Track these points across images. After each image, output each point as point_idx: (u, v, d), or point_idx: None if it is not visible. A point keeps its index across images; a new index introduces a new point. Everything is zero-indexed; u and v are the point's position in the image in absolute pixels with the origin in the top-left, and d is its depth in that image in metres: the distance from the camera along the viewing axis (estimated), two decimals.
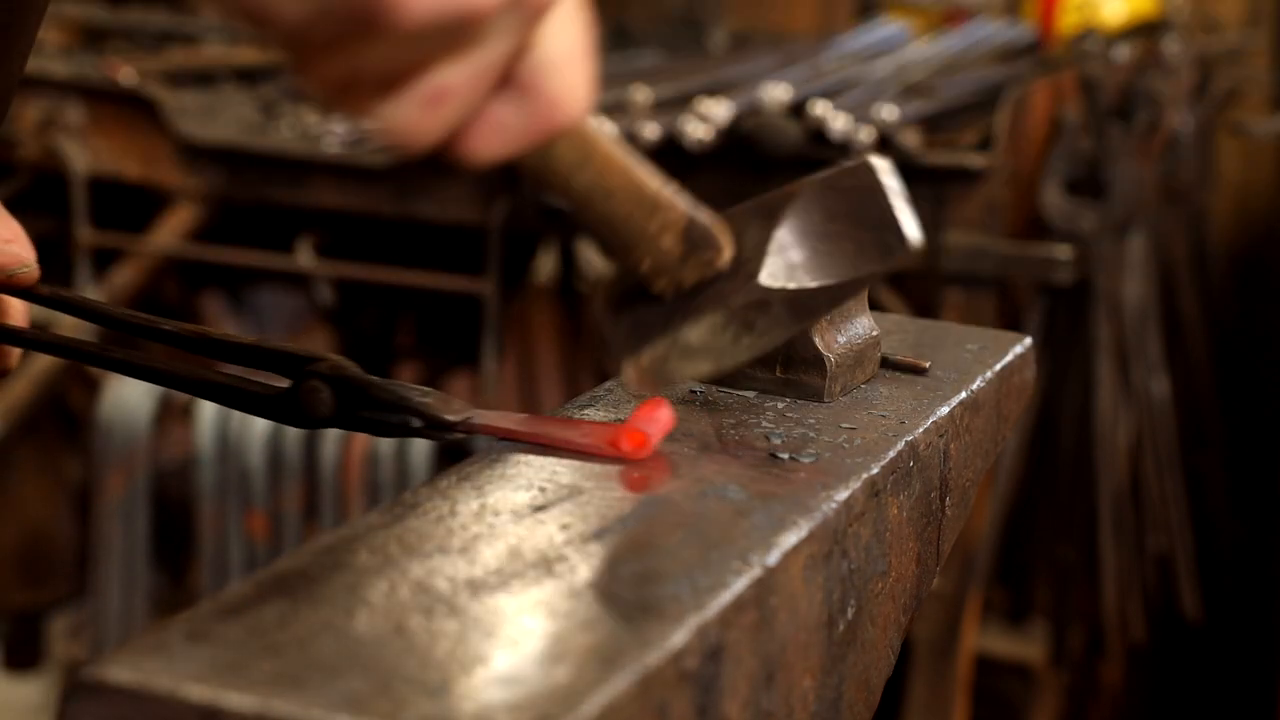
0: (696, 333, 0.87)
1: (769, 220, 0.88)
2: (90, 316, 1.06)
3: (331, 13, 0.67)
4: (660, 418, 0.87)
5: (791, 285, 0.87)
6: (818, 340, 0.98)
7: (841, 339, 1.00)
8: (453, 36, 0.69)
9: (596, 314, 0.91)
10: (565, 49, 0.75)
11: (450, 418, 0.88)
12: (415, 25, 0.67)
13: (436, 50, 0.69)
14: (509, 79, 0.74)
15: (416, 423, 0.88)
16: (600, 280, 0.91)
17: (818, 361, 0.98)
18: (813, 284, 0.87)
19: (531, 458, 0.87)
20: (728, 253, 0.87)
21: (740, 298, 0.86)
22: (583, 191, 0.83)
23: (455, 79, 0.71)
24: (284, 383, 0.92)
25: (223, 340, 1.00)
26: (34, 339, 1.04)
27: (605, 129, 0.84)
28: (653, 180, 0.85)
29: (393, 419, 0.89)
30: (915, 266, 2.42)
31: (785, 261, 0.87)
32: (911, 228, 0.86)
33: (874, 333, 1.03)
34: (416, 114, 0.72)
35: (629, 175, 0.84)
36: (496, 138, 0.75)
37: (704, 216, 0.87)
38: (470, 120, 0.74)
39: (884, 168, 0.87)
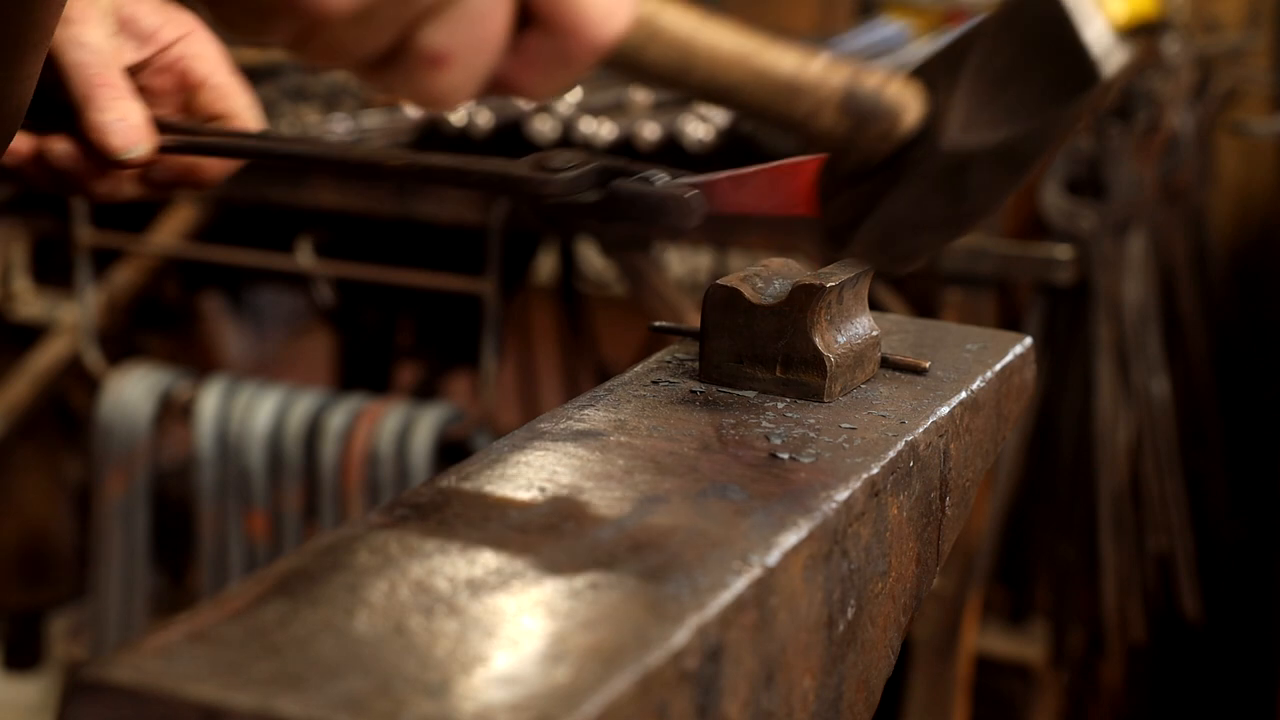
0: (902, 207, 0.80)
1: (953, 69, 0.79)
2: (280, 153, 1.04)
3: (258, 7, 0.63)
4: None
5: (986, 140, 0.78)
6: (817, 340, 0.98)
7: (841, 339, 1.00)
8: (402, 5, 0.64)
9: (816, 191, 0.85)
10: None
11: (689, 195, 0.88)
12: (343, 9, 0.63)
13: (401, 19, 0.64)
14: (530, 13, 0.68)
15: (660, 178, 0.90)
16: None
17: (818, 361, 0.98)
18: (1008, 134, 0.77)
19: (531, 457, 0.87)
20: (910, 116, 0.78)
21: (935, 163, 0.78)
22: (702, 90, 0.76)
23: (445, 39, 0.66)
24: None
25: (439, 166, 0.98)
26: (212, 146, 1.03)
27: (695, 19, 0.76)
28: (787, 60, 0.77)
29: (635, 181, 0.90)
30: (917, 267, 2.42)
31: (973, 114, 0.78)
32: (1101, 52, 0.74)
33: (874, 332, 1.03)
34: (424, 81, 0.67)
35: (750, 64, 0.76)
36: (541, 73, 0.69)
37: (870, 83, 0.78)
38: (506, 63, 0.69)
39: None
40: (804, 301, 0.98)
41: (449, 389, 3.48)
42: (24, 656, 3.29)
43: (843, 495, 0.84)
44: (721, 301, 1.00)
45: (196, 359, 3.35)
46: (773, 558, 0.77)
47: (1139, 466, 2.86)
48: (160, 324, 3.39)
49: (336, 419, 2.66)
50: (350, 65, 0.67)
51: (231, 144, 1.05)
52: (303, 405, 2.69)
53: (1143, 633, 2.81)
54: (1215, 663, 3.51)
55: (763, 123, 0.80)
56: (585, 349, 3.40)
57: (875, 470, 0.89)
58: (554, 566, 0.73)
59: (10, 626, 3.30)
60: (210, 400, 2.71)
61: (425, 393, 3.32)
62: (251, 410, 2.69)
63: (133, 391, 2.78)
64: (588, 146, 2.42)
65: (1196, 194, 3.61)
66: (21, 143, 1.01)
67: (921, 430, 0.95)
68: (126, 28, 1.01)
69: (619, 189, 0.91)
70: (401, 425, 2.64)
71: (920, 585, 0.97)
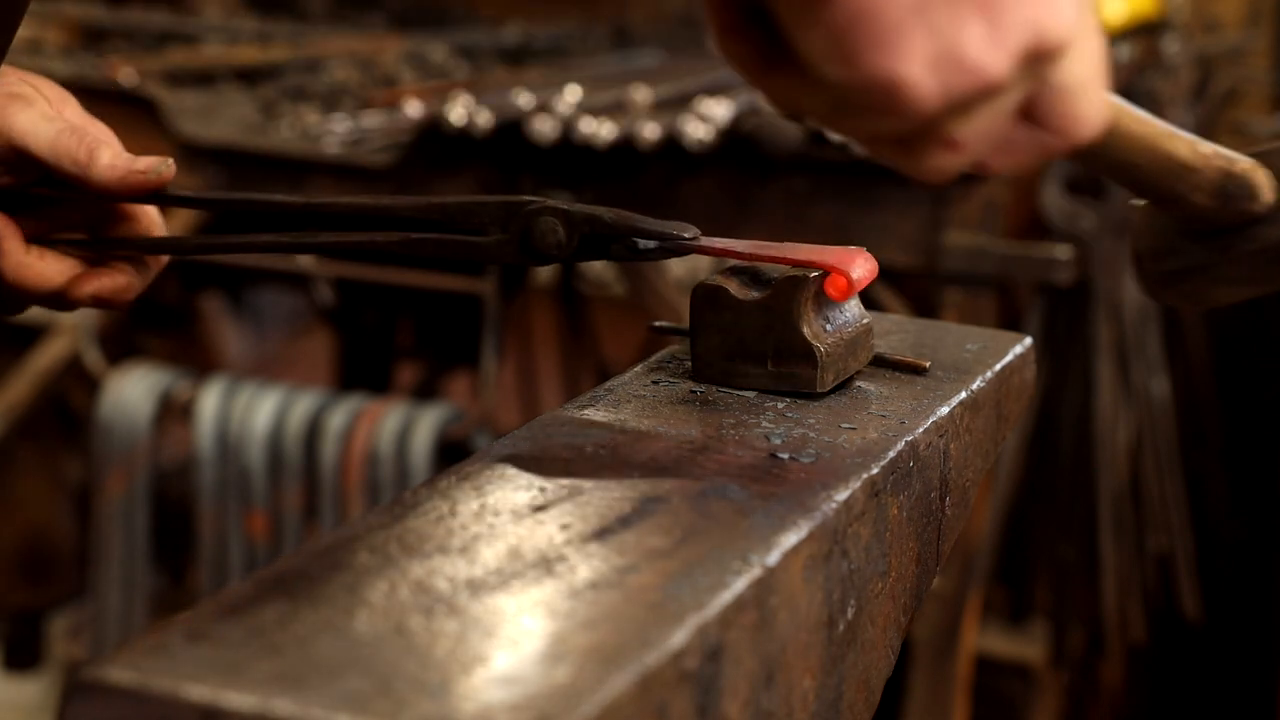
0: (1236, 268, 0.90)
1: None
2: (253, 205, 1.09)
3: (848, 101, 0.70)
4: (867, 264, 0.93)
5: None
6: (805, 331, 0.98)
7: (830, 328, 1.00)
8: (966, 107, 0.71)
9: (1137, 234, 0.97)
10: (1081, 75, 0.75)
11: (685, 235, 0.93)
12: (930, 109, 0.70)
13: (952, 115, 0.72)
14: (1026, 108, 0.75)
15: (650, 244, 0.92)
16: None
17: (807, 352, 0.98)
18: None
19: (532, 457, 0.87)
20: (1267, 197, 0.88)
21: (1271, 243, 0.88)
22: (1104, 163, 0.86)
23: (968, 132, 0.73)
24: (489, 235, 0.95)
25: (405, 206, 1.01)
26: (210, 244, 1.07)
27: (1125, 105, 0.85)
28: (1183, 146, 0.87)
29: (628, 244, 0.93)
30: (917, 267, 2.42)
31: None
32: None
33: (864, 320, 1.03)
34: (936, 161, 0.75)
35: (1154, 147, 0.86)
36: (1013, 157, 0.77)
37: (1243, 166, 0.88)
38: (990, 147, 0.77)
39: None
40: (789, 293, 0.97)
41: (449, 389, 3.48)
42: (24, 656, 3.29)
43: (843, 495, 0.84)
44: (708, 300, 1.00)
45: (196, 359, 3.35)
46: (773, 558, 0.77)
47: (1139, 466, 2.86)
48: (160, 324, 3.39)
49: (336, 419, 2.66)
50: (866, 141, 0.76)
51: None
52: (303, 405, 2.69)
53: (1143, 633, 2.81)
54: (1215, 663, 3.51)
55: (1143, 194, 0.91)
56: (585, 349, 3.40)
57: (875, 470, 0.89)
58: (554, 566, 0.73)
59: (10, 626, 3.30)
60: (210, 400, 2.71)
61: (425, 393, 3.32)
62: (251, 410, 2.69)
63: (133, 391, 2.78)
64: (587, 147, 2.42)
65: None
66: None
67: (921, 430, 0.95)
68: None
69: (611, 253, 0.95)
70: (401, 425, 2.64)
71: (920, 585, 0.97)
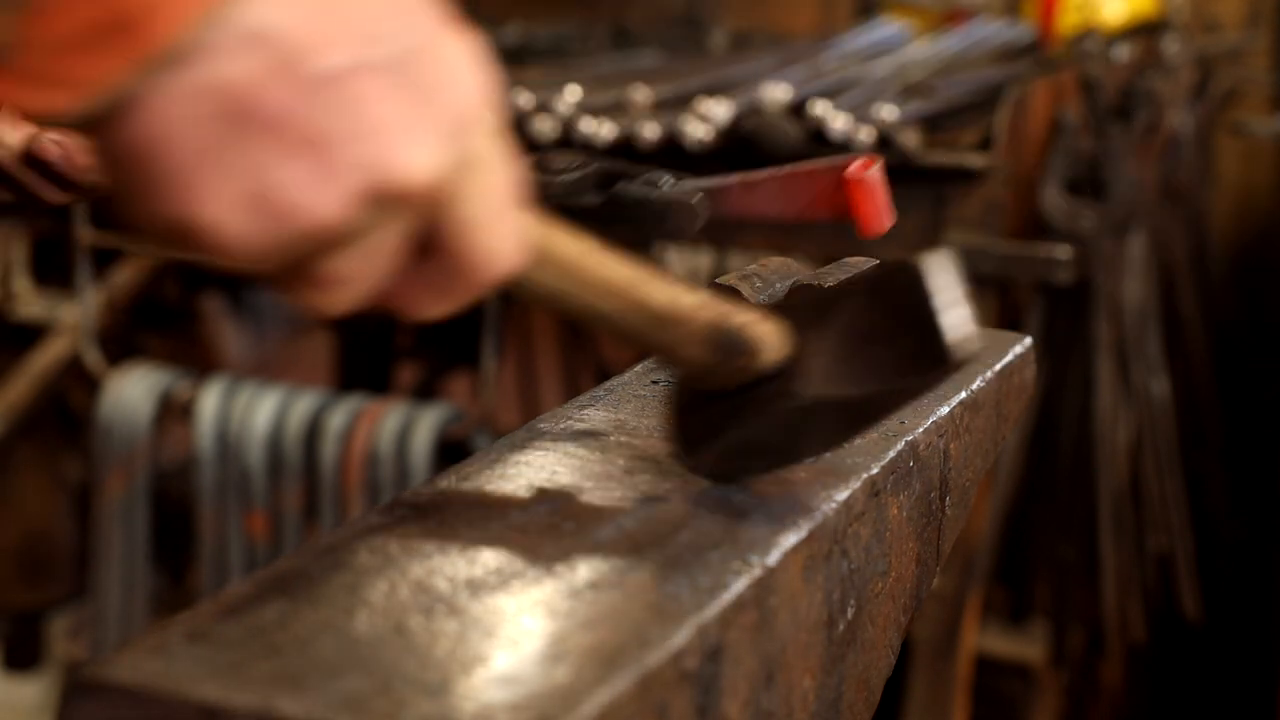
0: (749, 434, 0.82)
1: (816, 319, 0.82)
2: None
3: (167, 240, 0.64)
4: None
5: (839, 394, 0.80)
6: None
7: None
8: (311, 248, 0.65)
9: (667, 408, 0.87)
10: (484, 207, 0.68)
11: (692, 200, 0.92)
12: (252, 252, 0.64)
13: (298, 254, 0.65)
14: (429, 244, 0.68)
15: (664, 184, 0.92)
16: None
17: None
18: (860, 392, 0.80)
19: (531, 457, 0.87)
20: (771, 354, 0.81)
21: (786, 403, 0.81)
22: (578, 313, 0.79)
23: (343, 268, 0.66)
24: None
25: None
26: None
27: (586, 248, 0.78)
28: (663, 292, 0.80)
29: (635, 185, 0.92)
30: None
31: (832, 367, 0.81)
32: (957, 338, 0.77)
33: None
34: (310, 296, 0.68)
35: (629, 295, 0.79)
36: (428, 299, 0.71)
37: (737, 320, 0.81)
38: (396, 285, 0.70)
39: (938, 266, 0.78)
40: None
41: (449, 389, 3.48)
42: (24, 656, 3.29)
43: (843, 495, 0.84)
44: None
45: (196, 359, 3.34)
46: (773, 558, 0.77)
47: (1139, 466, 2.86)
48: (160, 324, 3.39)
49: (336, 419, 2.66)
50: (240, 270, 0.68)
51: None
52: (303, 405, 2.69)
53: (1143, 633, 2.81)
54: (1215, 663, 3.51)
55: (632, 346, 0.83)
56: (585, 349, 3.40)
57: (875, 470, 0.89)
58: (554, 566, 0.73)
59: (10, 626, 3.30)
60: (210, 400, 2.71)
61: (425, 393, 3.32)
62: (251, 410, 2.69)
63: (133, 391, 2.78)
64: (587, 147, 2.42)
65: (1196, 194, 3.61)
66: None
67: (921, 430, 0.96)
68: None
69: (621, 193, 0.92)
70: (401, 425, 2.64)
71: (920, 585, 0.97)
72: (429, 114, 0.64)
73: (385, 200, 0.64)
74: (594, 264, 0.77)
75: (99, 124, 0.62)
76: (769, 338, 0.81)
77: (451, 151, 0.65)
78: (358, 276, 0.67)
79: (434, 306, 0.71)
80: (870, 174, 0.92)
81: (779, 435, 0.82)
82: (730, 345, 0.80)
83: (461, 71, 0.66)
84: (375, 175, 0.63)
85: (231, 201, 0.62)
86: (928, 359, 0.78)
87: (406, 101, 0.64)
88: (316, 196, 0.63)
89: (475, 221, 0.68)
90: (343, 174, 0.63)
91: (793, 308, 0.84)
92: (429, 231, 0.68)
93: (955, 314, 0.77)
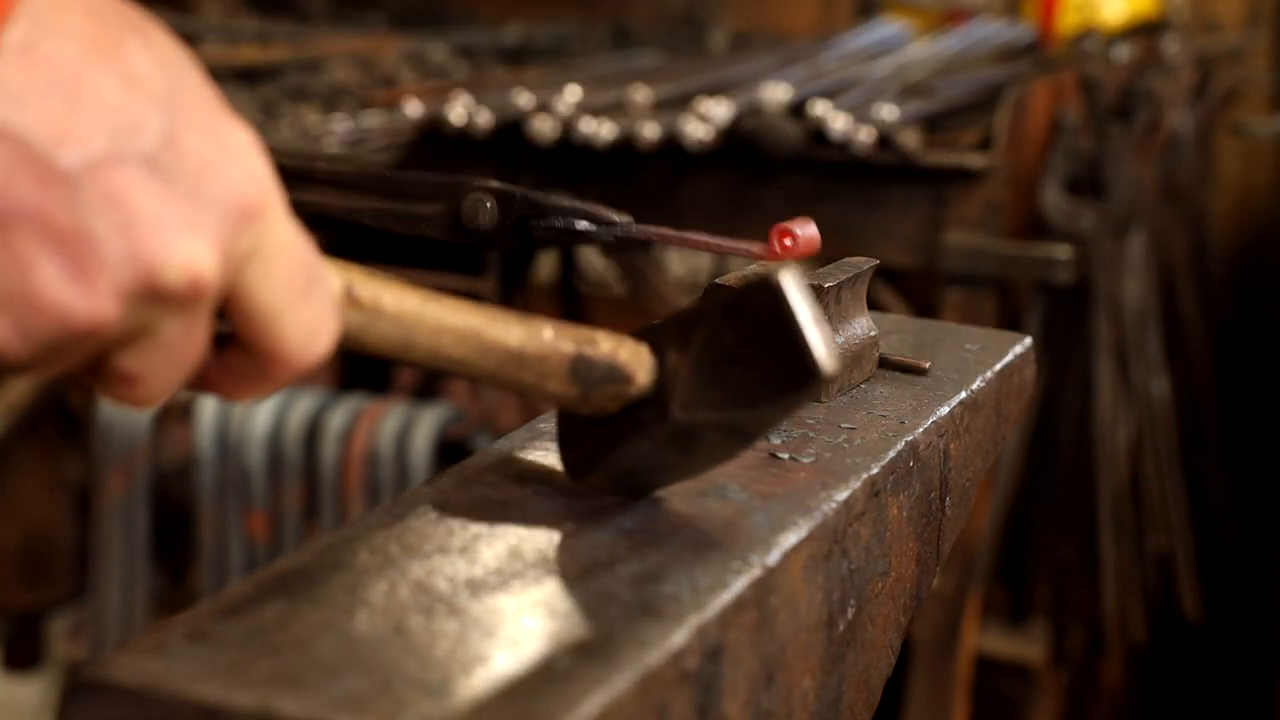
0: (635, 456, 0.82)
1: (682, 341, 0.81)
2: None
3: None
4: (808, 231, 0.91)
5: (709, 417, 0.79)
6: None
7: (839, 339, 1.00)
8: (80, 351, 0.63)
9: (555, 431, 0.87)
10: (279, 295, 0.65)
11: (616, 218, 0.91)
12: (19, 356, 0.61)
13: (86, 351, 0.63)
14: (231, 334, 0.67)
15: (584, 225, 0.91)
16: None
17: None
18: (729, 415, 0.79)
19: (531, 457, 0.87)
20: (640, 378, 0.80)
21: (664, 426, 0.80)
22: (429, 362, 0.77)
23: (136, 365, 0.64)
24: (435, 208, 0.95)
25: (354, 175, 1.00)
26: None
27: (437, 300, 0.77)
28: (514, 332, 0.78)
29: (559, 224, 0.92)
30: (917, 267, 2.42)
31: (698, 391, 0.79)
32: (821, 354, 0.76)
33: (872, 333, 1.03)
34: (117, 393, 0.66)
35: (478, 339, 0.77)
36: (241, 387, 0.69)
37: (600, 349, 0.80)
38: (205, 376, 0.68)
39: (790, 284, 0.77)
40: None
41: (449, 389, 3.47)
42: (24, 656, 3.29)
43: (843, 495, 0.84)
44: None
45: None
46: (773, 558, 0.77)
47: (1139, 466, 2.86)
48: None
49: (336, 419, 2.66)
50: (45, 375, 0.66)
51: None
52: (303, 405, 2.69)
53: (1143, 633, 2.81)
54: (1215, 663, 3.51)
55: (496, 388, 0.82)
56: None
57: (875, 470, 0.89)
58: (554, 566, 0.73)
59: (10, 626, 3.29)
60: (210, 400, 2.71)
61: (425, 393, 3.32)
62: (251, 410, 2.69)
63: None
64: (587, 147, 2.42)
65: (1196, 194, 3.61)
66: None
67: (921, 430, 0.96)
68: None
69: (537, 231, 0.93)
70: (401, 425, 2.64)
71: (920, 585, 0.97)
72: (195, 206, 0.62)
73: (153, 297, 0.61)
74: (435, 313, 0.76)
75: None
76: (635, 363, 0.80)
77: (227, 242, 0.63)
78: (156, 373, 0.65)
79: (248, 392, 0.69)
80: (803, 233, 0.93)
81: (665, 454, 0.81)
82: (594, 375, 0.80)
83: (231, 158, 0.64)
84: (138, 271, 0.60)
85: None
86: (792, 378, 0.76)
87: (169, 193, 0.61)
88: (76, 295, 0.60)
89: (272, 310, 0.66)
90: (103, 271, 0.60)
91: (658, 329, 0.82)
92: (229, 323, 0.66)
93: (815, 331, 0.76)
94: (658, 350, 0.81)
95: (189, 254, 0.61)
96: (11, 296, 0.59)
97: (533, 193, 0.94)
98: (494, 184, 0.94)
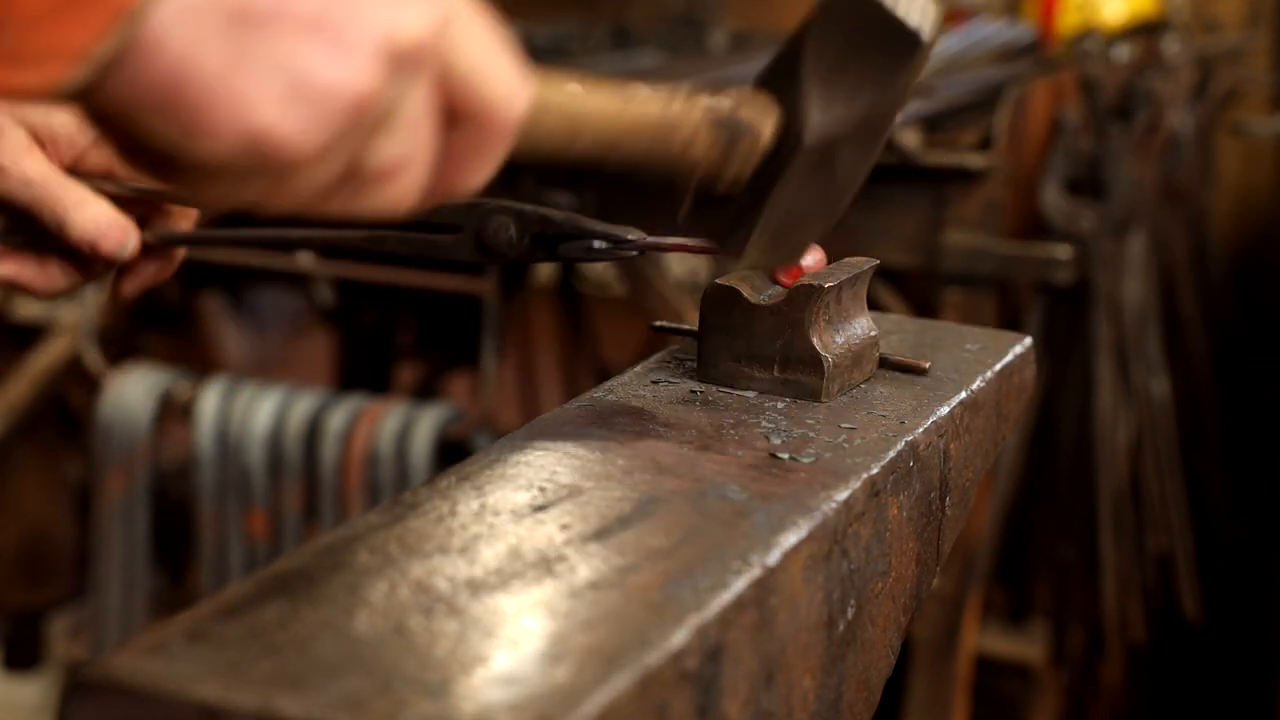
0: (785, 205, 0.86)
1: (792, 73, 0.86)
2: (227, 240, 1.11)
3: (239, 174, 0.67)
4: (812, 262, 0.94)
5: (842, 122, 0.85)
6: (815, 340, 0.98)
7: (839, 339, 1.00)
8: (357, 131, 0.68)
9: (683, 228, 0.92)
10: (480, 54, 0.72)
11: (630, 236, 0.94)
12: (310, 147, 0.67)
13: (353, 144, 0.69)
14: (451, 114, 0.73)
15: (600, 244, 0.94)
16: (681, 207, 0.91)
17: (815, 361, 0.98)
18: (859, 111, 0.86)
19: (532, 457, 0.87)
20: (770, 123, 0.85)
21: (805, 157, 0.85)
22: (590, 154, 0.81)
23: (391, 152, 0.71)
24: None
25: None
26: (206, 238, 1.08)
27: (573, 84, 0.81)
28: (653, 102, 0.83)
29: (576, 245, 0.94)
30: (917, 267, 2.42)
31: (824, 105, 0.85)
32: (917, 21, 0.83)
33: (872, 333, 1.03)
34: (376, 197, 0.72)
35: (627, 115, 0.82)
36: (467, 167, 0.75)
37: (728, 103, 0.85)
38: (439, 166, 0.74)
39: None
40: (802, 301, 0.98)
41: (449, 389, 3.48)
42: (24, 656, 3.29)
43: (843, 495, 0.84)
44: (720, 301, 1.00)
45: (196, 359, 3.34)
46: (773, 558, 0.77)
47: (1139, 466, 2.86)
48: (160, 324, 3.39)
49: (336, 419, 2.66)
50: (306, 202, 0.71)
51: (207, 236, 1.11)
52: (303, 405, 2.69)
53: (1143, 633, 2.81)
54: (1215, 663, 3.51)
55: (651, 175, 0.86)
56: (585, 349, 3.40)
57: (875, 470, 0.89)
58: (554, 566, 0.73)
59: (10, 626, 3.29)
60: (210, 400, 2.71)
61: (425, 393, 3.32)
62: (251, 410, 2.69)
63: (133, 391, 2.78)
64: None
65: (1196, 194, 3.61)
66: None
67: (921, 430, 0.96)
68: (46, 138, 1.03)
69: (563, 253, 0.96)
70: (401, 425, 2.64)
71: (920, 585, 0.97)
72: None
73: (399, 61, 0.68)
74: (586, 98, 0.80)
75: (102, 86, 0.63)
76: (760, 109, 0.85)
77: (436, 8, 0.69)
78: (406, 158, 0.71)
79: (477, 173, 0.75)
80: (808, 262, 0.97)
81: (809, 192, 0.86)
82: (733, 126, 0.84)
83: None
84: (384, 37, 0.67)
85: (274, 99, 0.65)
86: (902, 52, 0.83)
87: None
88: (343, 70, 0.66)
89: (477, 68, 0.72)
90: (356, 44, 0.66)
91: (765, 78, 0.87)
92: (446, 102, 0.72)
93: (910, 6, 0.82)
94: (771, 96, 0.86)
95: (415, 16, 0.68)
96: (290, 87, 0.65)
97: (548, 210, 0.96)
98: (512, 205, 0.97)
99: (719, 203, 0.87)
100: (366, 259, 1.03)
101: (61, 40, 0.61)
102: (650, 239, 0.96)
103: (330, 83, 0.66)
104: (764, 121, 0.85)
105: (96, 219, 1.01)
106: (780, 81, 0.86)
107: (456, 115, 0.73)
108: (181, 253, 1.09)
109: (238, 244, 1.14)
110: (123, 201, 1.03)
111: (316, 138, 0.66)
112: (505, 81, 0.73)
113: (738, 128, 0.84)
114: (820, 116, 0.85)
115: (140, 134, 0.66)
